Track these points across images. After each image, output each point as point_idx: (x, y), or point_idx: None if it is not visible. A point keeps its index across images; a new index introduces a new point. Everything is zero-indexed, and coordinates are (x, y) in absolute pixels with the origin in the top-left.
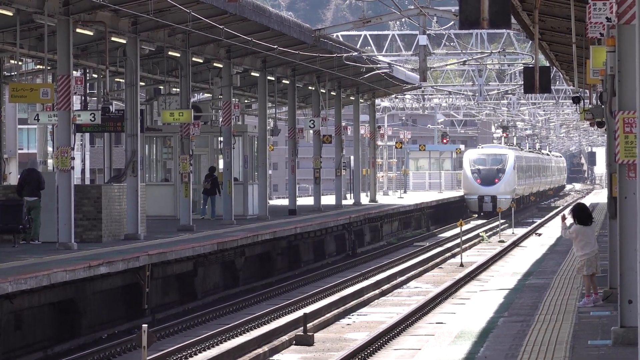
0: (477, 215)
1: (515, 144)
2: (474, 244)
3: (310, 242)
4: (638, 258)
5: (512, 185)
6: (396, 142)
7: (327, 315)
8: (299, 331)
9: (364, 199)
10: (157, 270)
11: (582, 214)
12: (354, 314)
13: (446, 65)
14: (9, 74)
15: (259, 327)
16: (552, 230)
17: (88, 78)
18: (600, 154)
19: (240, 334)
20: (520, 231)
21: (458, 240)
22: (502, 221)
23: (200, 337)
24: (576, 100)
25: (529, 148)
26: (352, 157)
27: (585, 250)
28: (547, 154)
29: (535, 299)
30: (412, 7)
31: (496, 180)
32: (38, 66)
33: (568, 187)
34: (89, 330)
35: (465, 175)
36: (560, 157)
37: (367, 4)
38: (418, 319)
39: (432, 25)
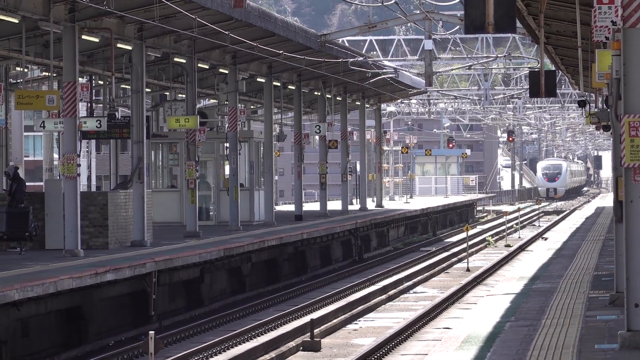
0: (545, 198)
1: (563, 157)
2: (481, 249)
3: (317, 248)
4: None
5: (565, 181)
6: (402, 147)
7: (334, 320)
8: (306, 337)
9: (370, 204)
10: (164, 276)
11: None
12: (360, 319)
13: (452, 69)
14: (14, 81)
15: (266, 333)
16: (558, 235)
17: (94, 85)
18: (606, 157)
19: (248, 340)
20: (527, 235)
21: (464, 245)
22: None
23: (207, 344)
24: (582, 104)
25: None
26: (358, 162)
27: None
28: (577, 162)
29: (542, 303)
30: (418, 12)
31: (556, 179)
32: (44, 73)
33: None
34: (96, 337)
35: (538, 176)
36: (582, 163)
37: (373, 9)
38: (425, 324)
39: (438, 30)
